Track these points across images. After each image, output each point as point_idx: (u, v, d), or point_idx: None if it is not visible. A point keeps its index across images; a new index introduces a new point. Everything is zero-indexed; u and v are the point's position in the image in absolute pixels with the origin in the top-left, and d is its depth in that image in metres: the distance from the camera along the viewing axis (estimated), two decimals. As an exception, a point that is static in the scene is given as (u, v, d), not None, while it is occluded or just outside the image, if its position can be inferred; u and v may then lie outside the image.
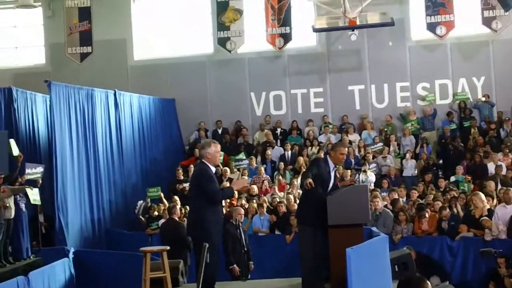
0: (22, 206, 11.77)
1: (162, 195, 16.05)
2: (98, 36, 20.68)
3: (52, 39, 20.91)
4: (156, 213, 14.96)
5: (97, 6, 20.68)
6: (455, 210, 13.15)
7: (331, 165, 8.94)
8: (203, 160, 8.36)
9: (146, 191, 16.55)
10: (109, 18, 20.69)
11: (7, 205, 11.07)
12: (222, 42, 20.43)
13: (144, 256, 9.25)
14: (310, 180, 8.38)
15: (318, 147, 18.35)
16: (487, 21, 19.66)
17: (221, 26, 20.39)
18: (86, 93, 15.98)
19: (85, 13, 20.67)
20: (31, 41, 21.17)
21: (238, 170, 17.50)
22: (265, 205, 14.43)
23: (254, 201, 14.93)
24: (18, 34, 21.15)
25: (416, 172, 17.74)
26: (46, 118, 15.95)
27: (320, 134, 19.68)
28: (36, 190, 11.81)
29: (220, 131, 20.18)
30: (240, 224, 11.08)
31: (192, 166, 16.78)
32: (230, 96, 20.53)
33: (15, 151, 12.02)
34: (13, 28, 21.20)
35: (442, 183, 15.99)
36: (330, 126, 19.62)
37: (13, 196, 11.38)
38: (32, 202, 11.88)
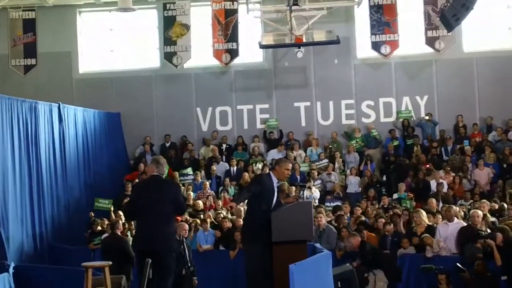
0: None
1: (112, 209, 15.82)
2: (43, 48, 20.38)
3: (-3, 50, 20.54)
4: (99, 227, 14.75)
5: (42, 18, 20.38)
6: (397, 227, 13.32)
7: (275, 180, 9.02)
8: (161, 175, 8.63)
9: (93, 201, 16.35)
10: (54, 31, 20.45)
11: None
12: (168, 56, 20.36)
13: (86, 272, 9.11)
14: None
15: (263, 163, 18.41)
16: (430, 41, 20.11)
17: (168, 40, 20.33)
18: (29, 106, 15.66)
19: (29, 25, 20.35)
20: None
21: (183, 185, 17.42)
22: (209, 220, 14.39)
23: (198, 216, 14.88)
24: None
25: (360, 189, 17.97)
26: (-13, 131, 15.63)
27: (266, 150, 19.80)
28: None
29: (168, 145, 20.11)
30: (184, 240, 11.02)
31: (137, 180, 16.69)
32: (176, 111, 20.48)
33: None
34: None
35: (385, 200, 16.21)
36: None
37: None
38: None
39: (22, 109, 15.31)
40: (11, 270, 11.21)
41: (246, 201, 9.82)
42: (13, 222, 14.17)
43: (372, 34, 20.03)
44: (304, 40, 18.19)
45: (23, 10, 20.38)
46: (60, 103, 17.01)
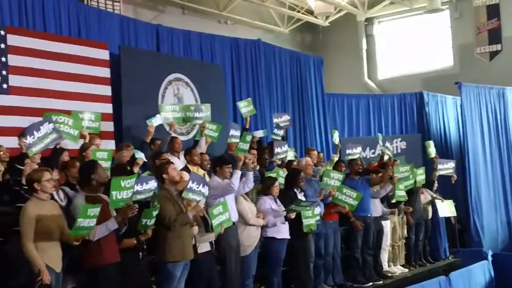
0: (440, 207, 12.02)
1: None
2: (507, 32, 19.90)
3: (459, 40, 20.78)
4: None
5: (506, 2, 19.94)
6: None
7: None
8: None
9: None
10: (518, 13, 19.82)
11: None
12: None
13: None
14: None
15: None
16: None
17: None
18: (497, 92, 15.81)
19: (493, 11, 20.11)
20: (439, 45, 21.34)
21: None
22: None
23: None
24: (426, 39, 21.52)
25: None
26: (457, 119, 16.13)
27: None
28: (448, 202, 11.89)
29: None
30: None
31: None
32: None
33: (432, 152, 12.24)
34: (421, 33, 21.62)
35: None
36: None
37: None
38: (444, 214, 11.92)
39: (489, 96, 15.53)
40: (489, 257, 11.28)
41: None
42: (487, 210, 14.33)
43: None
44: None
45: (487, -3, 20.31)
46: (530, 87, 16.60)
